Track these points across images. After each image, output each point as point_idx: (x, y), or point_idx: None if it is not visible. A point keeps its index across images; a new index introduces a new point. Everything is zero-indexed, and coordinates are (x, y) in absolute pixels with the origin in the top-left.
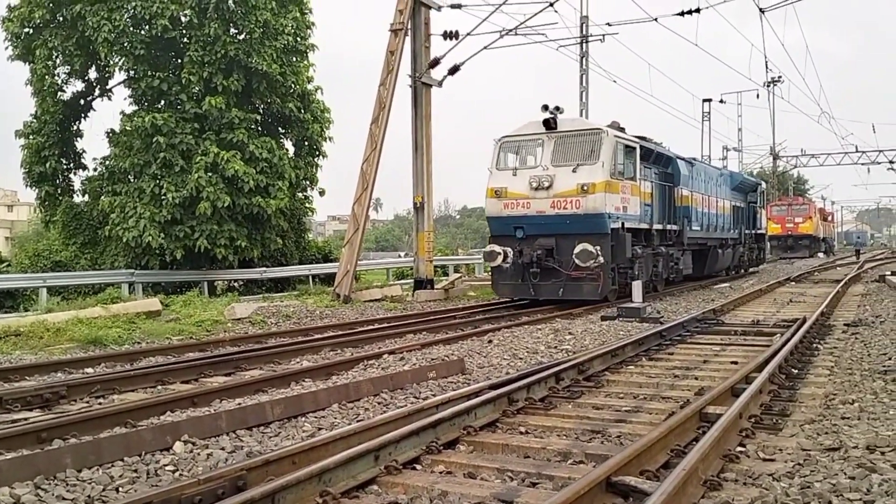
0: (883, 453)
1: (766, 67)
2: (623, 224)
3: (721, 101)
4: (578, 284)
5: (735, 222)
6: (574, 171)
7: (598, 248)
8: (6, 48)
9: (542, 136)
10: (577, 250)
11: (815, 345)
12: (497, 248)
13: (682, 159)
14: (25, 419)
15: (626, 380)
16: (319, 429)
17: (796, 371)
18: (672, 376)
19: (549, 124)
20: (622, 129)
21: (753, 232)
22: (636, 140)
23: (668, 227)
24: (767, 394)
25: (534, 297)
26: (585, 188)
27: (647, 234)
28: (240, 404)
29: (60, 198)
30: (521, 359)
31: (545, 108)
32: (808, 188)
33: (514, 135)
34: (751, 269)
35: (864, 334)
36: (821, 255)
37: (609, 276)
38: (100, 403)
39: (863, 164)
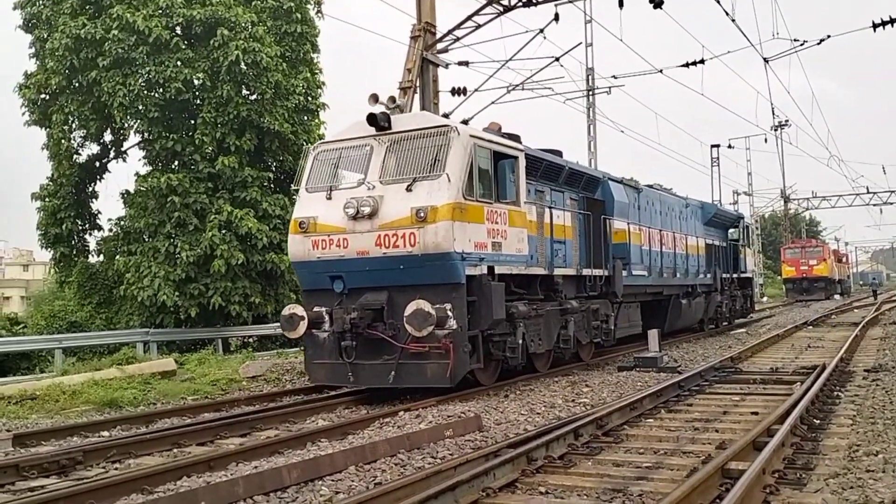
0: None
1: (773, 113)
2: (492, 269)
3: (729, 147)
4: (419, 365)
5: (708, 264)
6: (409, 189)
7: (448, 305)
8: (23, 114)
9: (371, 141)
10: (407, 311)
11: (835, 393)
12: (298, 311)
13: (620, 182)
14: (42, 487)
15: (646, 434)
16: (337, 492)
17: (818, 421)
18: (692, 429)
19: (379, 123)
20: (515, 138)
21: (735, 276)
22: (515, 146)
23: (593, 272)
24: (790, 446)
25: (353, 385)
26: (422, 215)
27: (548, 282)
28: (256, 467)
29: (76, 258)
30: (538, 413)
31: (374, 98)
32: (821, 230)
33: (334, 140)
34: (737, 322)
35: (885, 381)
36: (837, 297)
37: (465, 349)
38: (116, 468)
39: (875, 204)
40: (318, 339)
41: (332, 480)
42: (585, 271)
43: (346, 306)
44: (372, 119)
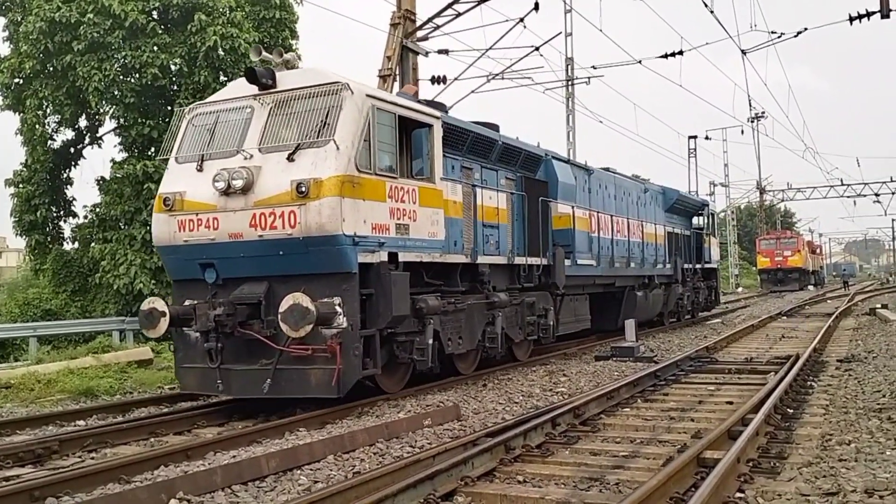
0: (881, 497)
1: (750, 105)
2: (395, 256)
3: (707, 138)
4: (301, 371)
5: (669, 254)
6: (291, 158)
7: (338, 300)
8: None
9: (252, 102)
10: (282, 307)
11: (809, 382)
12: (159, 306)
13: (566, 162)
14: (18, 476)
15: (623, 423)
16: (316, 482)
17: (791, 411)
18: (668, 418)
19: (261, 80)
20: (438, 105)
21: (699, 266)
22: (430, 112)
23: (529, 260)
24: (764, 436)
25: (223, 394)
26: (304, 190)
27: (472, 272)
28: (234, 457)
29: (50, 246)
30: (516, 403)
31: (258, 51)
32: (796, 221)
33: (212, 101)
34: (701, 315)
35: (858, 371)
36: (811, 287)
37: (355, 351)
38: (93, 458)
39: (849, 196)
40: (190, 340)
41: (311, 470)
42: (519, 260)
43: (216, 301)
44: (252, 75)
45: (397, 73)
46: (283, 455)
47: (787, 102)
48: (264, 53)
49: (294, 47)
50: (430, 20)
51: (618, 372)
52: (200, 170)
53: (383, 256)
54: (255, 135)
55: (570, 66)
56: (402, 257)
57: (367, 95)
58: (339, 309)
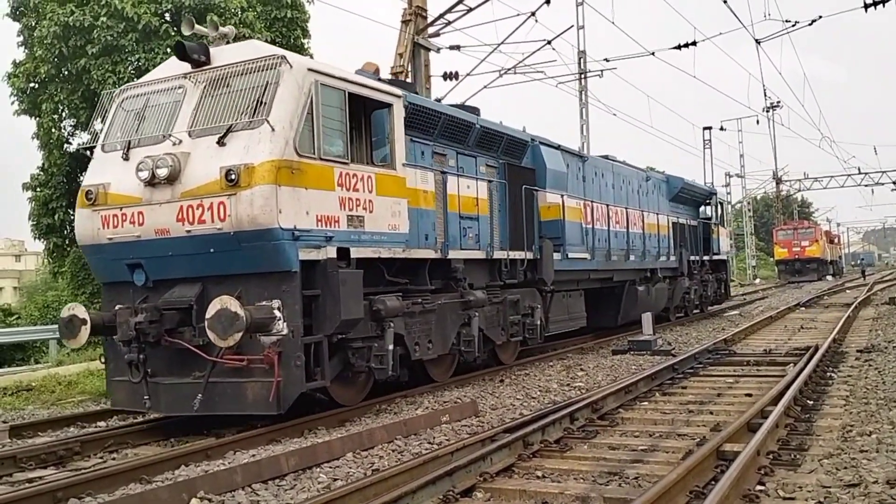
0: None
1: (765, 95)
2: (345, 252)
3: (721, 129)
4: (236, 385)
5: (674, 246)
6: (221, 142)
7: (277, 303)
8: (12, 103)
9: (184, 81)
10: (209, 312)
11: (828, 373)
12: (79, 313)
13: (556, 148)
14: (41, 478)
15: (641, 417)
16: (335, 479)
17: (812, 402)
18: (686, 411)
19: (192, 56)
20: (403, 84)
21: (707, 258)
22: (389, 90)
23: (512, 254)
24: (784, 427)
25: (151, 411)
26: (233, 178)
27: (442, 268)
28: (254, 456)
29: (69, 248)
30: (534, 398)
31: (190, 24)
32: (813, 211)
33: (144, 82)
34: (711, 310)
35: (878, 361)
36: (829, 277)
37: (297, 361)
38: (114, 459)
39: (866, 185)
40: (120, 350)
41: (330, 467)
42: (499, 254)
43: (139, 306)
44: (181, 51)
45: (409, 69)
46: (303, 453)
47: (803, 91)
48: (197, 27)
49: (306, 46)
50: (441, 16)
51: (635, 366)
52: (126, 158)
53: (331, 252)
54: (185, 118)
55: (582, 60)
56: (356, 253)
57: (310, 70)
58: (277, 313)
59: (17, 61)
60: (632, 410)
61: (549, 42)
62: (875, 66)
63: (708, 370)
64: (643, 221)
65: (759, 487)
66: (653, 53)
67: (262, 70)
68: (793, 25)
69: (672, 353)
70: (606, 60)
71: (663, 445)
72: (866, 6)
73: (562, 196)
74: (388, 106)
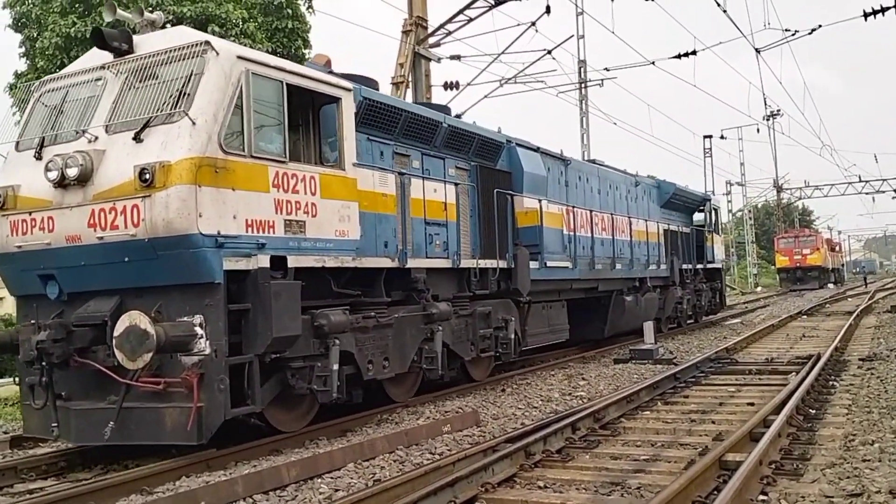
0: None
1: (765, 103)
2: (282, 260)
3: (722, 137)
4: (153, 410)
5: (666, 253)
6: (138, 138)
7: (199, 318)
8: (14, 114)
9: (103, 73)
10: (117, 330)
11: (831, 382)
12: None
13: (535, 150)
14: (41, 489)
15: (643, 426)
16: (336, 490)
17: (814, 411)
18: (689, 420)
19: (111, 44)
20: (362, 79)
21: (700, 267)
22: (337, 82)
23: (482, 263)
24: (787, 437)
25: (60, 439)
26: (147, 177)
27: (403, 278)
28: (255, 466)
29: None
30: (535, 407)
31: (112, 8)
32: (814, 219)
33: (63, 74)
34: (705, 320)
35: (880, 369)
36: (830, 285)
37: (221, 384)
38: (115, 469)
39: (867, 193)
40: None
41: (332, 478)
42: (466, 263)
43: (46, 322)
44: (100, 39)
45: (410, 79)
46: (304, 464)
47: (803, 100)
48: (120, 12)
49: (307, 56)
50: (441, 26)
51: (637, 375)
52: (39, 158)
53: (263, 261)
54: (103, 112)
55: (582, 69)
56: (295, 262)
57: (239, 57)
58: (199, 330)
59: (19, 72)
60: (634, 420)
61: (549, 52)
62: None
63: (710, 379)
64: (631, 228)
65: (761, 497)
66: (653, 63)
67: (187, 58)
68: (792, 34)
69: (674, 361)
70: (606, 70)
71: (665, 455)
72: (866, 15)
73: (540, 201)
74: (337, 100)
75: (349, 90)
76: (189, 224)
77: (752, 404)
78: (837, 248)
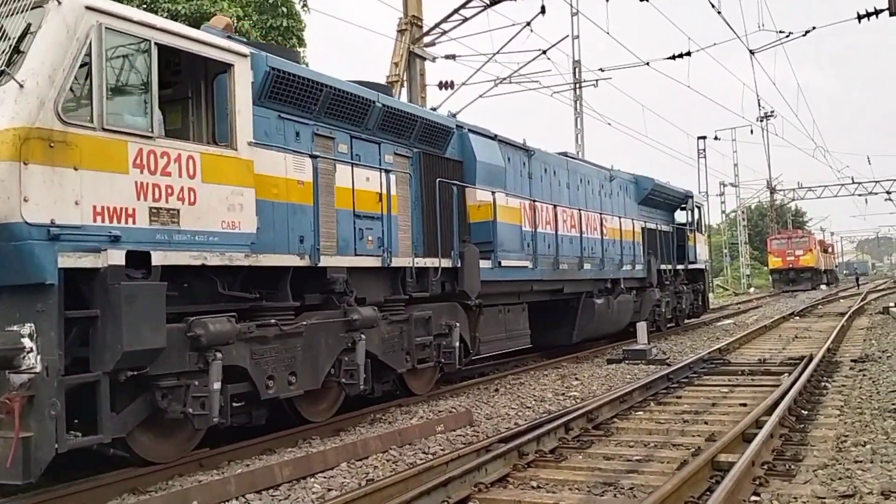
0: None
1: (759, 105)
2: (144, 256)
3: (716, 138)
4: None
5: (643, 253)
6: None
7: (29, 327)
8: None
9: None
10: None
11: (823, 383)
12: None
13: (492, 138)
14: (34, 488)
15: (636, 426)
16: (329, 489)
17: (806, 412)
18: (681, 421)
19: None
20: (263, 45)
21: (682, 267)
22: (228, 46)
23: (420, 262)
24: (779, 438)
25: None
26: None
27: (318, 278)
28: (248, 466)
29: None
30: (529, 407)
31: None
32: (807, 220)
33: None
34: (687, 322)
35: (872, 371)
36: (823, 286)
37: (52, 410)
38: (105, 469)
39: (860, 195)
40: None
41: (325, 477)
42: (399, 262)
43: None
44: None
45: (405, 79)
46: (297, 463)
47: (797, 101)
48: None
49: (302, 55)
50: (436, 25)
51: (630, 375)
52: None
53: (116, 257)
54: None
55: (577, 69)
56: (162, 259)
57: (89, 8)
58: (27, 342)
59: None
60: (627, 420)
61: (544, 52)
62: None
63: (703, 379)
64: (604, 226)
65: (753, 498)
66: (647, 63)
67: (26, 10)
68: (787, 36)
69: (667, 362)
70: (601, 70)
71: (658, 455)
72: (860, 17)
73: (493, 193)
74: (228, 67)
75: (244, 56)
76: (11, 210)
77: (744, 405)
78: (830, 250)
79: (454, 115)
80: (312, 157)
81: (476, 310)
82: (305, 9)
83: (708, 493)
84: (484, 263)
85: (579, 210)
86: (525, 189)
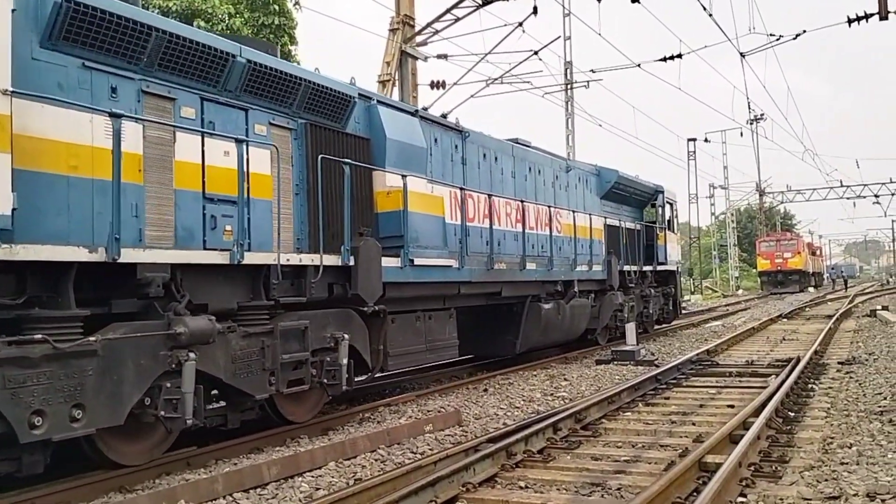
0: (883, 501)
1: (749, 107)
2: None
3: (706, 141)
4: None
5: (605, 252)
6: None
7: None
8: None
9: None
10: None
11: (810, 385)
12: None
13: (410, 113)
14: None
15: (624, 427)
16: (317, 489)
17: (793, 414)
18: (669, 422)
19: None
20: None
21: (649, 268)
22: None
23: (290, 258)
24: (766, 439)
25: None
26: None
27: (127, 278)
28: (235, 465)
29: None
30: (517, 408)
31: None
32: (796, 223)
33: None
34: (655, 329)
35: (859, 373)
36: (811, 289)
37: None
38: (91, 469)
39: (848, 198)
40: None
41: (312, 477)
42: (257, 259)
43: None
44: None
45: (396, 78)
46: (285, 462)
47: (786, 104)
48: None
49: (293, 53)
50: (429, 25)
51: (619, 376)
52: None
53: None
54: None
55: (569, 70)
56: None
57: None
58: None
59: None
60: (615, 421)
61: (535, 52)
62: (858, 81)
63: (691, 381)
64: (555, 221)
65: (740, 499)
66: (638, 65)
67: None
68: (777, 39)
69: (655, 363)
70: (593, 72)
71: (646, 456)
72: (850, 21)
73: (404, 177)
74: None
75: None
76: None
77: (732, 406)
78: (818, 253)
79: (445, 115)
80: (200, 132)
81: (382, 317)
82: (297, 7)
83: (695, 493)
84: (391, 262)
85: (524, 203)
86: (457, 176)
